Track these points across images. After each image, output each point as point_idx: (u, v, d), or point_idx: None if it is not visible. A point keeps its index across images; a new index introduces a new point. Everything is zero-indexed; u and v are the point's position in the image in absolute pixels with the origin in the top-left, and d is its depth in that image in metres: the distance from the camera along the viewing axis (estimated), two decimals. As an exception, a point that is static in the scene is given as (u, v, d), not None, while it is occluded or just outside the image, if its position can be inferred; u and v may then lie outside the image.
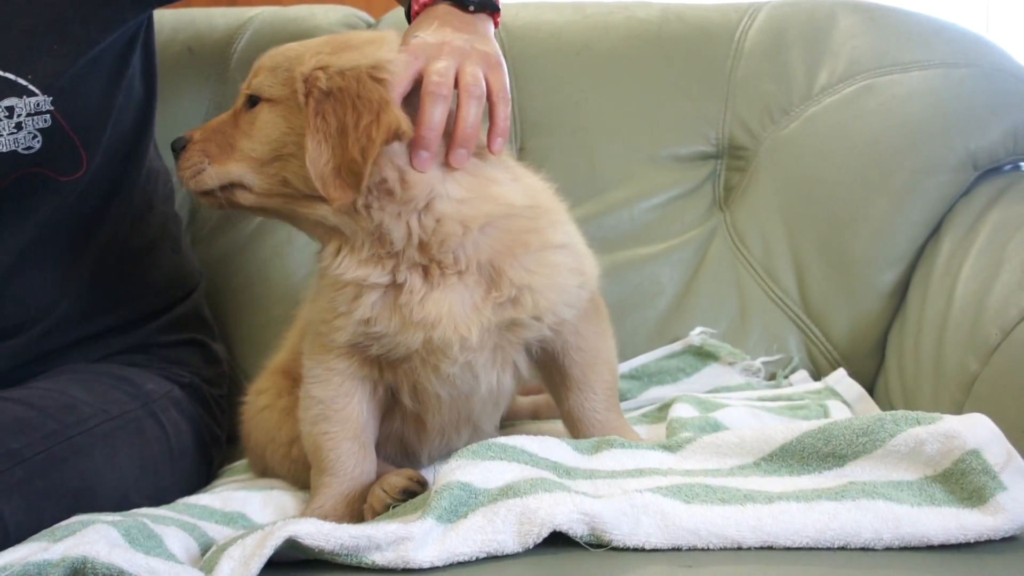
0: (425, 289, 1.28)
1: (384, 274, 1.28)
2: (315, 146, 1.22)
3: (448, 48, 1.31)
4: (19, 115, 1.44)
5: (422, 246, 1.27)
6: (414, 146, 1.25)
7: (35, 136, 1.45)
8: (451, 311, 1.28)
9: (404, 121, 1.22)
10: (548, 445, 1.28)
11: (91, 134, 1.53)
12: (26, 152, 1.46)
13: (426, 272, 1.28)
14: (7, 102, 1.43)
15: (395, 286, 1.29)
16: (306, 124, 1.23)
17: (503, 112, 1.33)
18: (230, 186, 1.30)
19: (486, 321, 1.29)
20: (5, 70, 1.44)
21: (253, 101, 1.30)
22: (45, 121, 1.47)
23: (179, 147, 1.33)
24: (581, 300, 1.37)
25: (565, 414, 1.44)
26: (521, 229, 1.31)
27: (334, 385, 1.35)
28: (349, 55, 1.26)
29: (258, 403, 1.56)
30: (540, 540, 1.10)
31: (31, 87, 1.44)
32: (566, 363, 1.40)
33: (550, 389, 1.46)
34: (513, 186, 1.33)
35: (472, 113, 1.28)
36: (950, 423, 1.15)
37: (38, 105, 1.45)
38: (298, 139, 1.25)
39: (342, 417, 1.35)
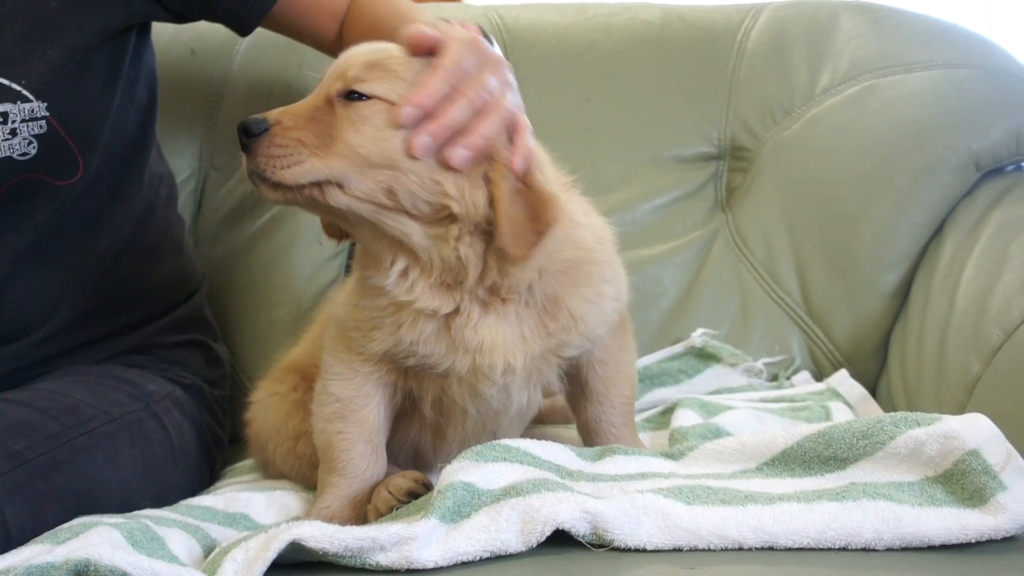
0: (478, 316, 1.27)
1: (452, 304, 1.26)
2: (511, 202, 1.19)
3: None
4: (13, 121, 1.44)
5: (492, 287, 1.26)
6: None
7: (31, 142, 1.45)
8: (504, 339, 1.27)
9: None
10: (552, 449, 1.28)
11: (88, 139, 1.52)
12: (21, 158, 1.46)
13: (484, 302, 1.28)
14: (1, 108, 1.42)
15: (451, 312, 1.27)
16: (504, 178, 1.19)
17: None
18: (323, 184, 1.20)
19: (532, 350, 1.30)
20: None
21: (354, 94, 1.21)
22: (40, 127, 1.46)
23: (259, 131, 1.19)
24: (614, 321, 1.38)
25: (582, 425, 1.44)
26: (587, 265, 1.32)
27: (355, 385, 1.33)
28: None
29: (268, 389, 1.55)
30: (543, 538, 1.10)
31: (25, 92, 1.44)
32: (589, 376, 1.40)
33: (569, 399, 1.46)
34: (588, 224, 1.34)
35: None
36: (949, 424, 1.15)
37: (33, 111, 1.45)
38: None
39: (359, 419, 1.33)
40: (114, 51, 1.55)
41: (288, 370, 1.56)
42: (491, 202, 1.20)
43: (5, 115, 1.42)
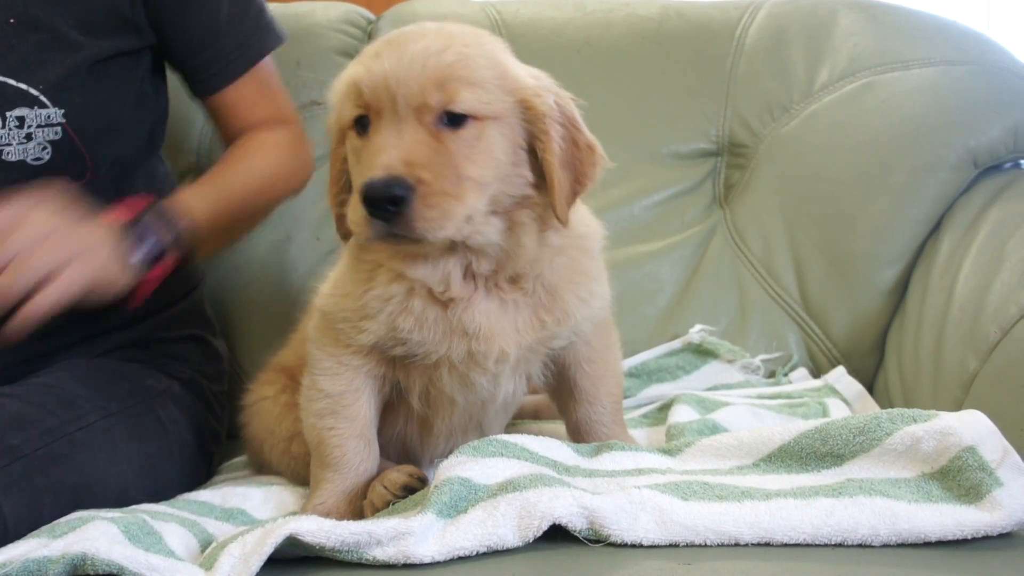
0: (478, 301, 1.28)
1: (470, 291, 1.27)
2: (563, 173, 1.22)
3: None
4: (29, 126, 1.45)
5: (516, 273, 1.28)
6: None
7: (45, 147, 1.46)
8: (501, 327, 1.28)
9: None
10: (549, 445, 1.28)
11: (100, 146, 1.54)
12: (35, 163, 1.47)
13: (491, 288, 1.28)
14: (18, 112, 1.44)
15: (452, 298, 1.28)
16: (550, 148, 1.21)
17: None
18: None
19: (524, 340, 1.30)
20: (17, 80, 1.45)
21: (454, 119, 1.18)
22: (56, 133, 1.48)
23: (405, 194, 1.12)
24: (600, 318, 1.39)
25: (572, 426, 1.44)
26: (585, 259, 1.33)
27: (344, 380, 1.33)
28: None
29: (259, 392, 1.56)
30: (540, 533, 1.10)
31: (42, 98, 1.46)
32: (577, 375, 1.40)
33: (558, 401, 1.46)
34: (584, 212, 1.36)
35: None
36: (946, 420, 1.16)
37: (49, 117, 1.47)
38: (513, 157, 1.21)
39: (350, 414, 1.33)
40: (130, 65, 1.57)
41: (276, 371, 1.56)
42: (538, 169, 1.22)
43: (21, 119, 1.44)
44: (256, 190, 1.64)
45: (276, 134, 1.69)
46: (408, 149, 1.15)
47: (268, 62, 1.72)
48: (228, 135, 1.71)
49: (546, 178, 1.22)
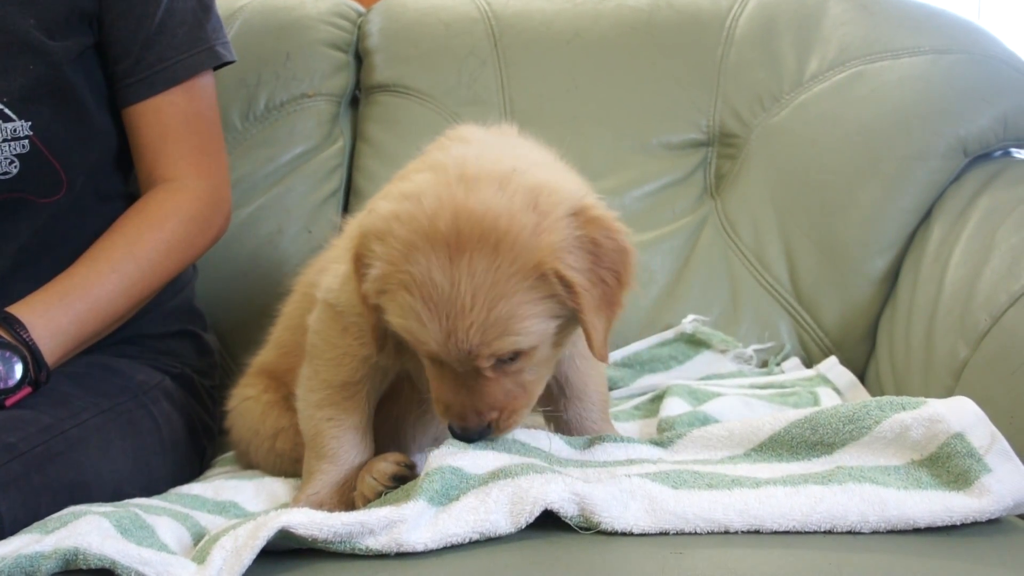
0: None
1: None
2: (596, 318, 1.24)
3: None
4: None
5: None
6: None
7: (12, 161, 1.43)
8: None
9: None
10: (539, 438, 1.28)
11: (73, 157, 1.51)
12: (2, 177, 1.45)
13: None
14: None
15: None
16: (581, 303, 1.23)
17: None
18: None
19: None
20: None
21: None
22: (23, 147, 1.45)
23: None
24: None
25: (563, 424, 1.42)
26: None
27: (348, 370, 1.31)
28: None
29: (241, 394, 1.55)
30: (532, 519, 1.10)
31: (7, 111, 1.43)
32: (569, 371, 1.39)
33: (547, 401, 1.45)
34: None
35: None
36: (934, 407, 1.16)
37: (15, 131, 1.44)
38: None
39: (350, 406, 1.32)
40: (95, 67, 1.54)
41: (258, 373, 1.56)
42: None
43: None
44: (132, 293, 1.52)
45: (185, 196, 1.57)
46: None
47: (204, 93, 1.60)
48: (142, 168, 1.59)
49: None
